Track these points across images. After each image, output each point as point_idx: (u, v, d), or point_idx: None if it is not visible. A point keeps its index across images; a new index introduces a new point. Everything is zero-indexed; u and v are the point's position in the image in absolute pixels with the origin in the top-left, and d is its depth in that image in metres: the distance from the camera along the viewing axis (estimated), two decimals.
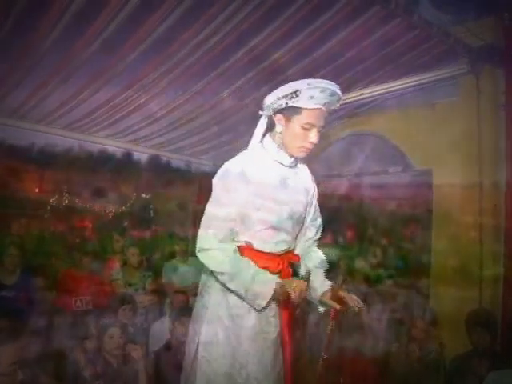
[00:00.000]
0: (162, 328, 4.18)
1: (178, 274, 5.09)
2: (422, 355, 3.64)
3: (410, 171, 4.85)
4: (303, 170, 2.14)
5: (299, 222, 2.08)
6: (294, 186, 2.03)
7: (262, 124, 2.05)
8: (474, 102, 4.21)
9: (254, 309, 1.91)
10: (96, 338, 3.38)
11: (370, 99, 4.72)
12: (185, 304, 4.56)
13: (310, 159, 2.13)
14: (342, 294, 1.96)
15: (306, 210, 2.10)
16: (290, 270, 2.05)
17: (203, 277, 2.10)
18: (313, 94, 1.86)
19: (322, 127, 1.94)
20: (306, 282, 1.86)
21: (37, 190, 5.73)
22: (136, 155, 5.95)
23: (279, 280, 1.89)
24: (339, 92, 1.91)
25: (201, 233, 1.96)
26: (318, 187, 2.20)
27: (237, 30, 3.48)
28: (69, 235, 5.40)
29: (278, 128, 1.97)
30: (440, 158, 4.46)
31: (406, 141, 4.81)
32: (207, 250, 1.94)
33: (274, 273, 1.97)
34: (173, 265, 5.21)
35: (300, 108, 1.89)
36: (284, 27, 3.51)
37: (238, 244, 1.98)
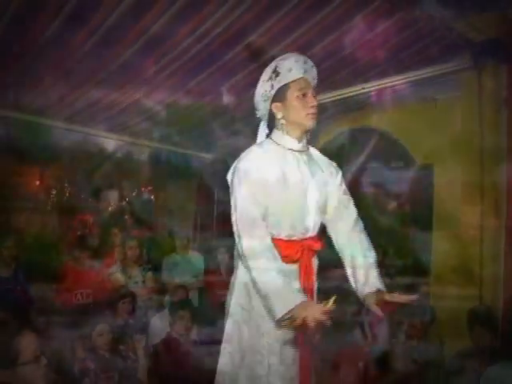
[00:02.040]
0: (161, 322, 4.20)
1: (177, 267, 5.10)
2: (421, 353, 3.63)
3: (412, 166, 4.82)
4: (316, 155, 2.14)
5: (319, 207, 2.03)
6: (307, 172, 2.02)
7: (263, 128, 2.11)
8: (476, 98, 4.18)
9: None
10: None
11: (371, 93, 4.69)
12: (184, 298, 4.58)
13: None
14: (387, 298, 1.87)
15: (326, 194, 2.07)
16: (312, 258, 2.01)
17: (235, 271, 2.06)
18: (289, 65, 1.97)
19: (314, 92, 2.00)
20: (323, 308, 1.68)
21: (37, 183, 5.74)
22: (136, 150, 5.96)
23: (299, 302, 1.75)
24: (309, 59, 2.03)
25: (246, 243, 1.87)
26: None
27: (236, 24, 3.46)
28: (68, 229, 5.40)
29: (279, 115, 2.00)
30: (441, 154, 4.43)
31: (407, 136, 4.78)
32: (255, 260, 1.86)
33: (293, 261, 1.95)
34: (173, 259, 5.22)
35: (286, 84, 1.97)
36: (284, 21, 3.49)
37: None
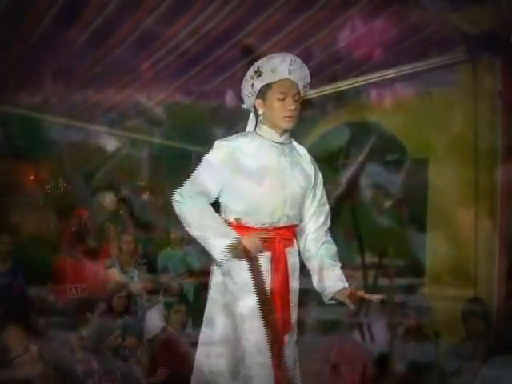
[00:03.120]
0: (156, 315, 4.22)
1: (173, 261, 5.11)
2: (418, 354, 3.65)
3: (406, 160, 4.81)
4: (300, 150, 2.17)
5: (295, 199, 2.06)
6: (286, 163, 2.06)
7: (251, 119, 2.17)
8: (471, 91, 4.17)
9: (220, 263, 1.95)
10: (96, 334, 3.45)
11: (365, 87, 4.67)
12: (179, 292, 4.60)
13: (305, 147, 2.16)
14: (360, 293, 2.00)
15: (305, 188, 2.10)
16: (285, 248, 2.03)
17: (211, 271, 2.11)
18: (273, 66, 1.99)
19: (297, 95, 2.02)
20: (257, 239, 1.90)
21: (32, 178, 5.73)
22: (132, 146, 5.94)
23: (238, 236, 1.90)
24: (299, 59, 2.04)
25: (180, 189, 2.01)
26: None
27: (228, 20, 3.44)
28: (64, 224, 5.39)
29: (260, 111, 2.06)
30: (436, 148, 4.43)
31: (401, 129, 4.75)
32: (181, 201, 1.98)
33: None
34: (168, 253, 5.23)
35: (269, 84, 2.01)
36: (277, 15, 3.48)
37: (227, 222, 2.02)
